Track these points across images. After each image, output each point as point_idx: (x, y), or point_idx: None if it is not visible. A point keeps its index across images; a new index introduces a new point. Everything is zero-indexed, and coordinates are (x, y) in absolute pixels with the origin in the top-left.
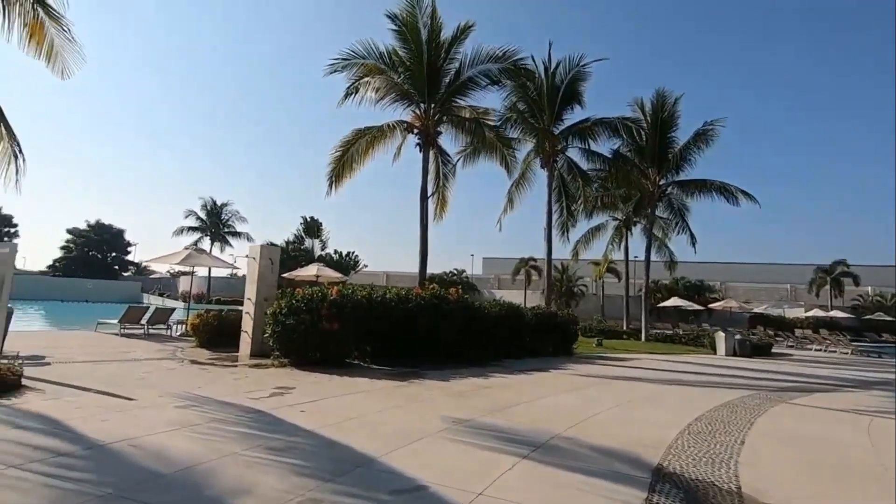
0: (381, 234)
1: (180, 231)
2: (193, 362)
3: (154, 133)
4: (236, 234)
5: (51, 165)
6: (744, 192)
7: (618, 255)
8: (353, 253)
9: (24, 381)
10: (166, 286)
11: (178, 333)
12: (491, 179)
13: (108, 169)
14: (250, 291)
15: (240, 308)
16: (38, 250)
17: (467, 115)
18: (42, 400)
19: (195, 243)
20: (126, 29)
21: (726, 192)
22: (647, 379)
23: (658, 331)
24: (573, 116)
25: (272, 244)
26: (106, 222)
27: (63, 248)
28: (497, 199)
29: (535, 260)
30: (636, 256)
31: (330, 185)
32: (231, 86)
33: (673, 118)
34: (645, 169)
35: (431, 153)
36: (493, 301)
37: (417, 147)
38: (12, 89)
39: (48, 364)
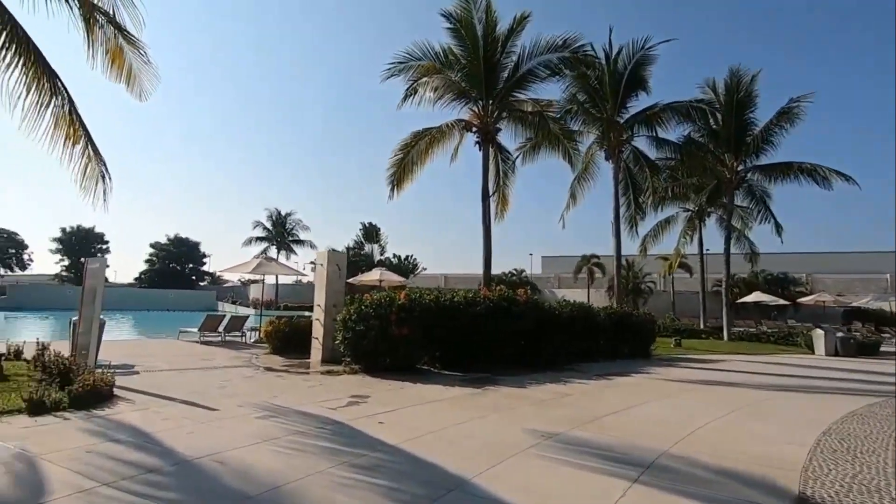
0: (437, 236)
1: (249, 241)
2: (269, 369)
3: (221, 148)
4: (300, 242)
5: (133, 184)
6: (839, 174)
7: (689, 249)
8: (412, 256)
9: (115, 391)
10: (238, 294)
11: (251, 340)
12: (547, 176)
13: (182, 186)
14: (319, 298)
15: (307, 314)
16: (126, 264)
17: (529, 109)
18: (132, 410)
19: (263, 252)
20: (184, 46)
21: (816, 174)
22: (745, 384)
23: (740, 329)
24: (638, 104)
25: (335, 251)
26: (183, 236)
27: (147, 261)
28: (554, 196)
29: (597, 257)
30: (708, 249)
31: (392, 189)
32: (287, 98)
33: (750, 98)
34: (720, 154)
35: (491, 151)
36: (563, 301)
37: (476, 145)
38: (95, 116)
39: (136, 373)
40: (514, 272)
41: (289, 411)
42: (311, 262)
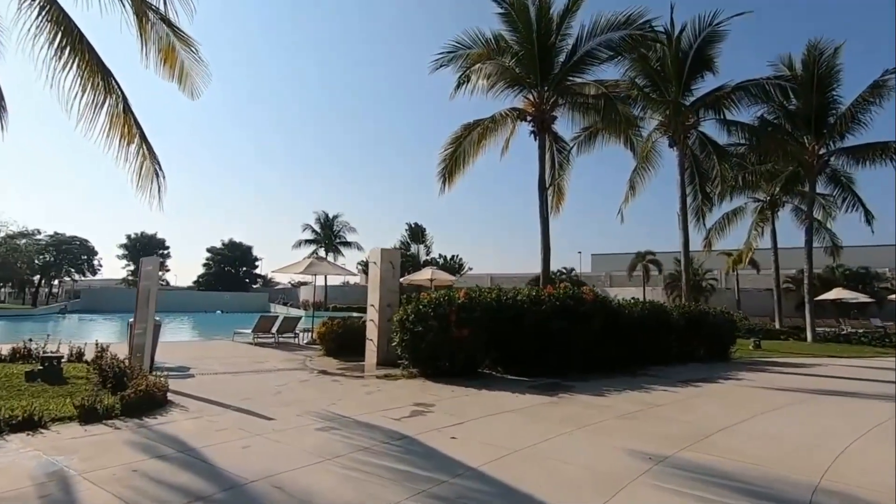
0: (481, 236)
1: (298, 244)
2: (323, 373)
3: (269, 155)
4: (347, 244)
5: (191, 189)
6: None
7: (759, 243)
8: (458, 256)
9: (169, 396)
10: (288, 296)
11: (304, 341)
12: (596, 170)
13: (235, 191)
14: (373, 297)
15: (358, 315)
16: (185, 268)
17: (592, 92)
18: (185, 419)
19: (312, 254)
20: (236, 52)
21: None
22: (861, 394)
23: (823, 329)
24: (704, 85)
25: (389, 248)
26: (237, 240)
27: (204, 264)
28: (602, 190)
29: (652, 254)
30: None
31: (443, 183)
32: (331, 98)
33: (833, 73)
34: (799, 137)
35: (546, 140)
36: (632, 300)
37: (532, 135)
38: (153, 120)
39: (192, 376)
40: (564, 271)
41: (350, 422)
42: (360, 263)
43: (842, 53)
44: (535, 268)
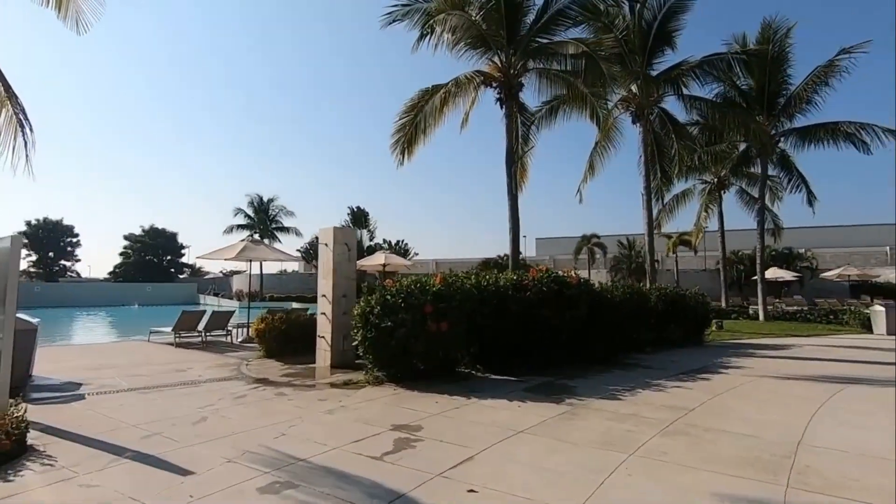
0: (426, 220)
1: (230, 229)
2: (264, 382)
3: (193, 135)
4: (284, 230)
5: (104, 175)
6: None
7: (688, 225)
8: (403, 241)
9: (32, 439)
10: (220, 286)
11: (239, 339)
12: (538, 153)
13: (156, 175)
14: (324, 287)
15: (301, 306)
16: (100, 258)
17: (572, 51)
18: (44, 485)
19: (247, 238)
20: (159, 29)
21: (857, 137)
22: (875, 380)
23: (770, 307)
24: (664, 61)
25: (343, 227)
26: (160, 226)
27: (122, 253)
28: (546, 173)
29: (597, 237)
30: (706, 227)
31: (401, 154)
32: (265, 75)
33: (785, 52)
34: (754, 116)
35: (513, 109)
36: (610, 284)
37: (498, 103)
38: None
39: (82, 397)
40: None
41: (310, 469)
42: (300, 249)
43: (794, 34)
44: (482, 252)
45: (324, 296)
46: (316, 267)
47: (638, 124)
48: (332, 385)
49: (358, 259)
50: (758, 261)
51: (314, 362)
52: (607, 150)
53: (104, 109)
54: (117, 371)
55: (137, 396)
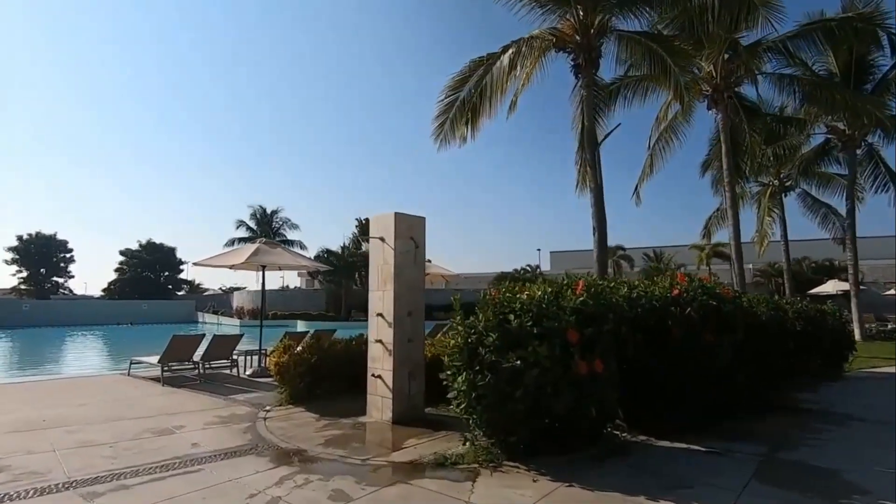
0: (435, 232)
1: (231, 242)
2: (301, 459)
3: (193, 147)
4: (288, 243)
5: (100, 188)
6: None
7: (721, 236)
8: None
9: None
10: (220, 303)
11: (247, 372)
12: (548, 159)
13: (154, 189)
14: (379, 301)
15: (304, 325)
16: (95, 275)
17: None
18: None
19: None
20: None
21: None
22: None
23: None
24: (745, 35)
25: (407, 214)
26: (157, 241)
27: (117, 269)
28: (557, 181)
29: (623, 248)
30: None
31: (443, 139)
32: (267, 84)
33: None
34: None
35: (585, 81)
36: (756, 296)
37: (573, 72)
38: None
39: None
40: (528, 269)
41: None
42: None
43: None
44: (497, 265)
45: (379, 315)
46: (323, 282)
47: (715, 109)
48: (416, 466)
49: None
50: (851, 272)
51: (360, 411)
52: (670, 142)
53: (103, 120)
54: (66, 434)
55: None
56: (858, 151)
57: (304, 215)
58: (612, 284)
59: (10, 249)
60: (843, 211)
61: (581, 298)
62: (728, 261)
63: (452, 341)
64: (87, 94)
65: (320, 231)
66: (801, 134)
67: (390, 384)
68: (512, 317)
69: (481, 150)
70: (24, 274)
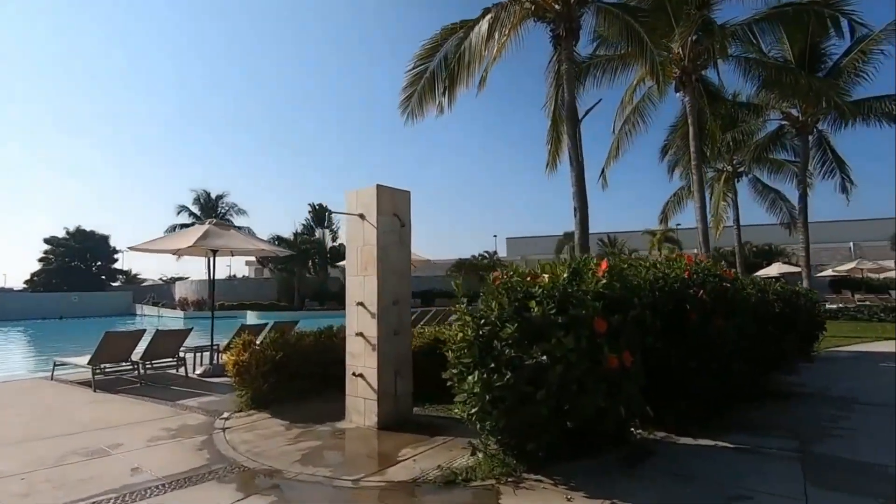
0: None
1: (172, 229)
2: (274, 481)
3: (127, 126)
4: (235, 229)
5: (20, 168)
6: None
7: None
8: None
9: None
10: (161, 294)
11: (198, 371)
12: (497, 143)
13: (83, 170)
14: (360, 288)
15: (255, 315)
16: (17, 265)
17: None
18: None
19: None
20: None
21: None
22: None
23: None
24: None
25: (389, 187)
26: (88, 228)
27: (41, 259)
28: (514, 163)
29: None
30: (681, 224)
31: (408, 115)
32: (203, 64)
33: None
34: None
35: (565, 53)
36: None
37: (553, 42)
38: None
39: None
40: (486, 255)
41: None
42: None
43: None
44: (454, 252)
45: (360, 304)
46: (274, 270)
47: (682, 92)
48: (421, 486)
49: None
50: (806, 255)
51: (337, 415)
52: (636, 125)
53: (24, 88)
54: None
55: None
56: (810, 138)
57: (252, 201)
58: (633, 265)
59: None
60: (791, 197)
61: (601, 282)
62: (676, 245)
63: (459, 334)
64: (8, 59)
65: (269, 218)
66: (757, 119)
67: (375, 384)
68: (533, 304)
69: (434, 130)
70: None
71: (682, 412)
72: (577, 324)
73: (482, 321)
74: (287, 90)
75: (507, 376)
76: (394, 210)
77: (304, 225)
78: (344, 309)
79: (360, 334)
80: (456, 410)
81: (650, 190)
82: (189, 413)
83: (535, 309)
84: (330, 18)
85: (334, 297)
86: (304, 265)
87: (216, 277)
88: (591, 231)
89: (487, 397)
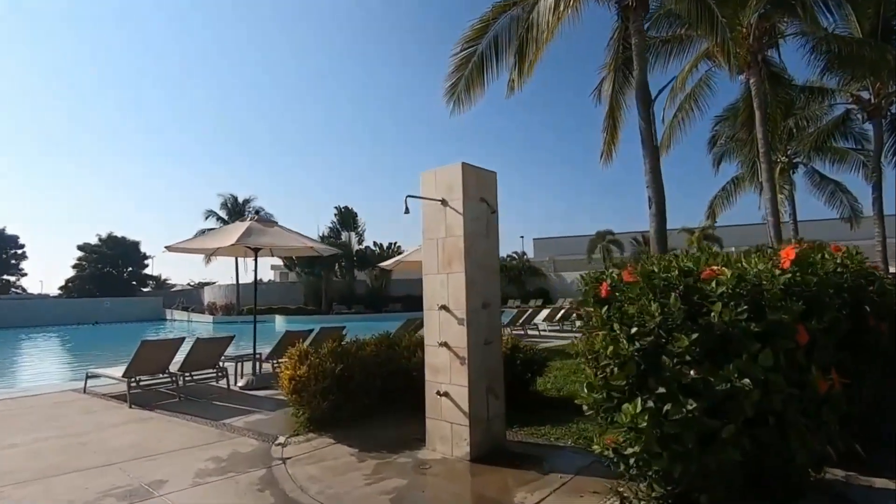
0: (406, 219)
1: (201, 233)
2: None
3: (156, 135)
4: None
5: (57, 180)
6: None
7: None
8: (395, 244)
9: None
10: (189, 298)
11: (240, 383)
12: (526, 143)
13: (115, 179)
14: (445, 288)
15: (282, 320)
16: (52, 272)
17: None
18: None
19: (251, 217)
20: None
21: None
22: None
23: None
24: None
25: (473, 166)
26: (119, 234)
27: (75, 266)
28: (537, 164)
29: (612, 233)
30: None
31: (454, 102)
32: (236, 72)
33: None
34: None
35: (635, 26)
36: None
37: (618, 16)
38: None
39: None
40: (515, 255)
41: None
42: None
43: None
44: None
45: (443, 308)
46: (301, 273)
47: (747, 73)
48: None
49: (395, 257)
50: (878, 248)
51: (409, 441)
52: (690, 114)
53: (60, 107)
54: None
55: None
56: (883, 122)
57: (277, 205)
58: (819, 253)
59: None
60: (852, 188)
61: (786, 273)
62: (717, 243)
63: (610, 347)
64: (45, 80)
65: (292, 222)
66: (823, 104)
67: (465, 406)
68: (718, 306)
69: (465, 129)
70: None
71: (863, 443)
72: (778, 332)
73: (634, 330)
74: (312, 94)
75: (690, 406)
76: (480, 194)
77: (329, 228)
78: (374, 312)
79: (445, 344)
80: (595, 448)
81: (683, 186)
82: (238, 436)
83: (722, 313)
84: (355, 29)
85: (361, 301)
86: (331, 268)
87: (242, 282)
88: (620, 230)
89: (657, 433)
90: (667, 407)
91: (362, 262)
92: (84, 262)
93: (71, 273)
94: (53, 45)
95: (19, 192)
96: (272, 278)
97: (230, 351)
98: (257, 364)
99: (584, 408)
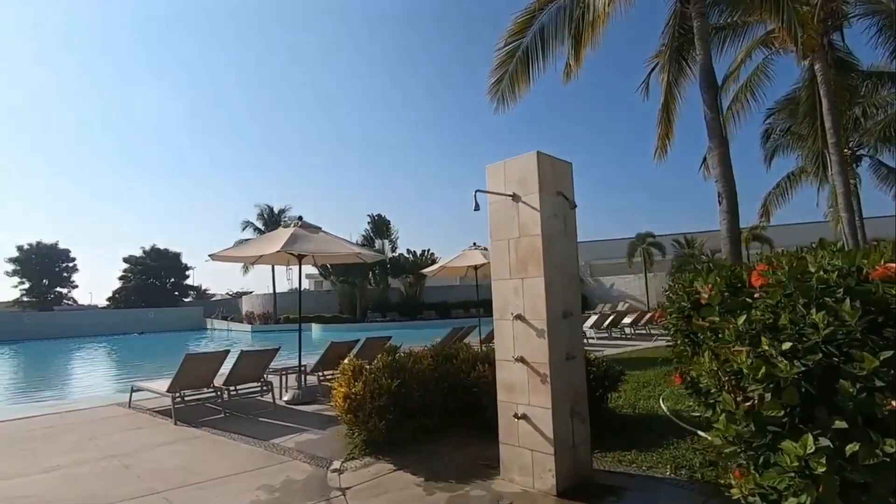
0: (440, 225)
1: (239, 243)
2: None
3: (196, 147)
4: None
5: (103, 197)
6: None
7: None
8: (429, 251)
9: None
10: (229, 308)
11: (285, 398)
12: (552, 135)
13: (155, 192)
14: (519, 295)
15: (319, 328)
16: (100, 284)
17: None
18: None
19: (295, 223)
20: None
21: None
22: None
23: None
24: None
25: (549, 156)
26: (162, 246)
27: (121, 277)
28: (577, 160)
29: (652, 235)
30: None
31: (498, 99)
32: (272, 84)
33: None
34: None
35: (696, 8)
36: None
37: None
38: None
39: None
40: None
41: None
42: (320, 265)
43: None
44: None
45: (518, 317)
46: (336, 282)
47: (809, 60)
48: None
49: (438, 263)
50: None
51: (477, 468)
52: (746, 105)
53: (99, 128)
54: None
55: None
56: None
57: (310, 214)
58: None
59: (11, 260)
60: None
61: None
62: (768, 243)
63: (745, 364)
64: (84, 99)
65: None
66: (892, 90)
67: (549, 431)
68: None
69: (486, 133)
70: (26, 285)
71: None
72: None
73: (788, 346)
74: (348, 102)
75: (891, 448)
76: (557, 187)
77: (363, 236)
78: (409, 319)
79: (521, 359)
80: (735, 493)
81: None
82: (290, 460)
83: None
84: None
85: (395, 308)
86: (365, 276)
87: (280, 290)
88: (660, 233)
89: (837, 479)
90: (853, 448)
91: (396, 270)
92: (129, 274)
93: (118, 284)
94: (102, 57)
95: (69, 205)
96: (307, 287)
97: (273, 363)
98: (302, 377)
99: (718, 441)
